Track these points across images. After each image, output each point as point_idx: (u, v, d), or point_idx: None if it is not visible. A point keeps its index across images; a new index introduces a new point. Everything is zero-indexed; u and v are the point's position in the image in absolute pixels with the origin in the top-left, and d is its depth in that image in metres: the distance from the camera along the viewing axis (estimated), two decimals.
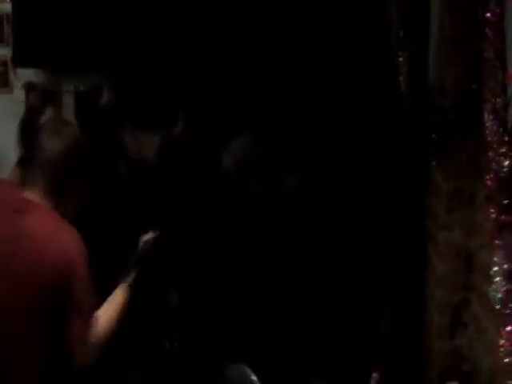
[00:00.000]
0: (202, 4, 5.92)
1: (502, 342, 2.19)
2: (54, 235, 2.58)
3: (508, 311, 2.04)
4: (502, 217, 2.18)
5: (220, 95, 5.19)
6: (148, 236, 3.08)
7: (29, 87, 7.39)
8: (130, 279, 2.87)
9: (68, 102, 6.76)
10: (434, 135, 3.28)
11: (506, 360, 2.16)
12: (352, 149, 3.83)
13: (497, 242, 2.18)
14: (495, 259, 2.18)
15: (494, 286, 2.17)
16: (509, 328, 2.05)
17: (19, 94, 6.93)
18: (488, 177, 2.27)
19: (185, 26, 6.10)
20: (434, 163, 3.32)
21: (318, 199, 3.96)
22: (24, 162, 3.21)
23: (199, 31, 5.80)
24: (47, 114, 5.11)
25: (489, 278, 2.36)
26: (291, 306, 3.59)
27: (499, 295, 2.12)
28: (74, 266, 2.55)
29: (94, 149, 2.85)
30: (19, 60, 6.85)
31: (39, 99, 7.23)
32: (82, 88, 6.76)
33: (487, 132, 2.33)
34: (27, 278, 2.53)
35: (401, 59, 4.52)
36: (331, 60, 5.39)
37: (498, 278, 2.14)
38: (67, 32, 7.19)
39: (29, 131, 4.74)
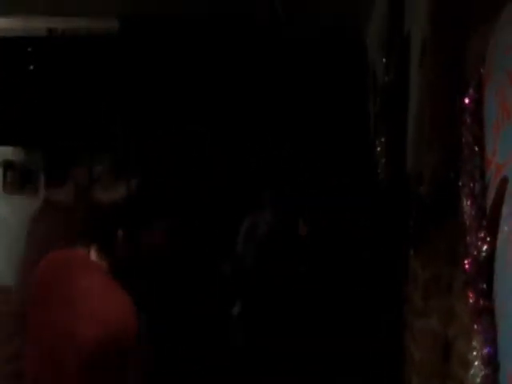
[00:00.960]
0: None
1: None
2: (107, 298, 2.55)
3: None
4: (481, 302, 2.15)
5: None
6: None
7: (6, 165, 7.39)
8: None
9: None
10: (411, 223, 3.29)
11: None
12: (330, 236, 3.83)
13: (475, 327, 2.15)
14: (474, 344, 2.14)
15: (472, 371, 2.13)
16: None
17: None
18: (466, 261, 2.25)
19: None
20: (411, 251, 3.32)
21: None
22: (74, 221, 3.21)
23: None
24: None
25: (466, 366, 2.32)
26: None
27: (478, 380, 2.07)
28: (125, 331, 2.51)
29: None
30: None
31: (17, 177, 7.23)
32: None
33: (465, 217, 2.32)
34: (77, 340, 2.49)
35: (379, 148, 4.59)
36: (313, 146, 5.50)
37: (476, 363, 2.10)
38: (44, 111, 7.27)
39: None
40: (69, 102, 7.38)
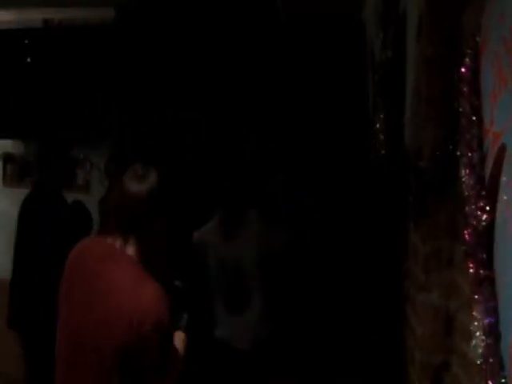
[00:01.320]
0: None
1: None
2: (138, 289, 2.53)
3: (489, 366, 1.98)
4: (481, 271, 2.13)
5: None
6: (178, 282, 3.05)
7: (6, 158, 7.39)
8: (183, 324, 2.83)
9: None
10: (411, 197, 3.28)
11: None
12: (330, 212, 3.81)
13: (476, 297, 2.13)
14: (475, 314, 2.13)
15: (474, 341, 2.11)
16: None
17: None
18: (466, 232, 2.24)
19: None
20: (411, 225, 3.31)
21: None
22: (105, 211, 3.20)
23: None
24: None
25: (469, 338, 2.30)
26: None
27: (480, 350, 2.06)
28: (155, 322, 2.49)
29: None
30: None
31: (16, 170, 7.22)
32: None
33: (464, 187, 2.30)
34: (105, 331, 2.49)
35: (378, 124, 4.57)
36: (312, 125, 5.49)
37: (478, 333, 2.09)
38: (44, 105, 7.26)
39: None
40: (66, 93, 7.36)
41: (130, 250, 2.63)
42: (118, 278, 2.58)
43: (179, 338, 2.82)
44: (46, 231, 4.56)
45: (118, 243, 2.62)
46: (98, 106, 7.21)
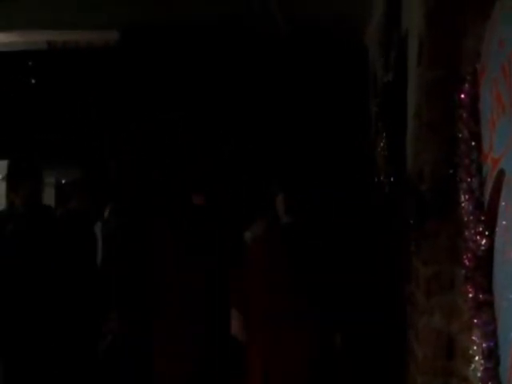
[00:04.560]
0: None
1: None
2: None
3: None
4: (480, 295, 2.15)
5: None
6: None
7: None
8: None
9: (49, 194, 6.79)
10: (412, 220, 3.29)
11: None
12: (331, 235, 3.82)
13: (475, 321, 2.15)
14: (474, 338, 2.14)
15: (473, 366, 2.13)
16: None
17: (0, 187, 6.93)
18: (465, 256, 2.26)
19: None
20: (412, 248, 3.32)
21: None
22: None
23: None
24: None
25: (469, 362, 2.32)
26: None
27: (479, 374, 2.07)
28: None
29: None
30: None
31: None
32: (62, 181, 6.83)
33: (463, 212, 2.32)
34: None
35: (380, 147, 4.59)
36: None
37: (477, 357, 2.10)
38: (43, 126, 7.31)
39: None
40: (70, 114, 7.41)
41: None
42: None
43: None
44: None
45: None
46: (93, 122, 7.28)
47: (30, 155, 5.64)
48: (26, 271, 4.18)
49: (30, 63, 7.63)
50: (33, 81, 7.65)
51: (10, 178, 4.67)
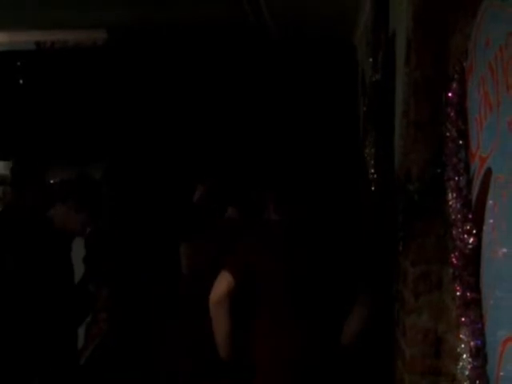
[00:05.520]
0: None
1: None
2: None
3: None
4: (468, 294, 2.15)
5: None
6: None
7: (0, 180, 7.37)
8: None
9: None
10: (400, 220, 3.30)
11: None
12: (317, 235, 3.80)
13: (463, 319, 2.15)
14: (462, 337, 2.14)
15: (461, 364, 2.13)
16: None
17: None
18: (453, 254, 2.26)
19: None
20: (400, 248, 3.33)
21: None
22: None
23: None
24: None
25: (457, 360, 2.32)
26: None
27: (466, 373, 2.07)
28: None
29: None
30: None
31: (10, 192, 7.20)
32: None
33: (451, 210, 2.32)
34: None
35: (368, 146, 4.60)
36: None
37: (464, 356, 2.10)
38: (36, 127, 7.29)
39: None
40: (59, 114, 7.39)
41: None
42: None
43: None
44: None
45: None
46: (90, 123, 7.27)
47: (20, 156, 5.60)
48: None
49: (18, 63, 7.61)
50: (21, 81, 7.62)
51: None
